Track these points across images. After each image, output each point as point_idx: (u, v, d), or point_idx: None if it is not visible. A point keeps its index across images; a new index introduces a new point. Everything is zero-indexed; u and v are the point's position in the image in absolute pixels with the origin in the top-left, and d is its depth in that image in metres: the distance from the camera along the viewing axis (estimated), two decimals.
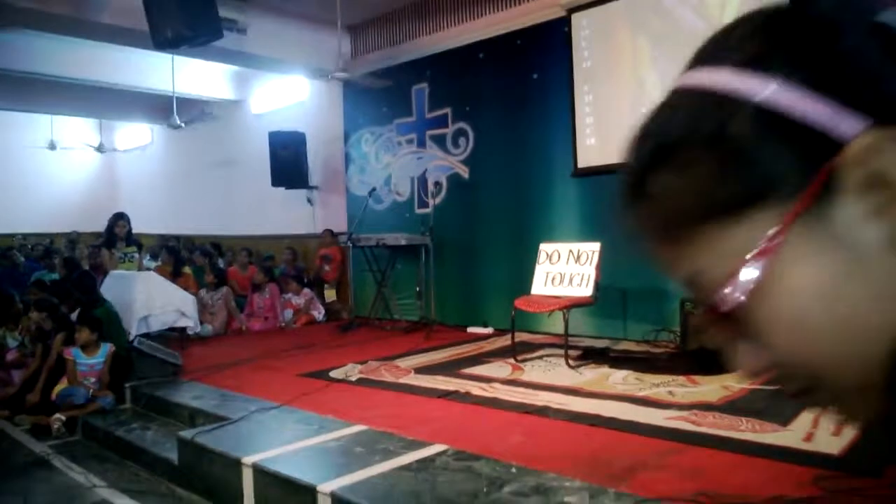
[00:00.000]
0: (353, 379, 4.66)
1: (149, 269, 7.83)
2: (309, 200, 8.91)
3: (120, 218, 6.75)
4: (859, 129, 0.37)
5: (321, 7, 7.18)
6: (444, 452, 3.03)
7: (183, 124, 9.17)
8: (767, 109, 0.39)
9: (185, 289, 7.26)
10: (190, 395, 4.56)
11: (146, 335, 5.77)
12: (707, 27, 5.13)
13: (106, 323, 5.23)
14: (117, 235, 6.69)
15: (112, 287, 6.25)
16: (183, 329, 6.38)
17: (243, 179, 10.05)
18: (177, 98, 9.38)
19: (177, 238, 10.45)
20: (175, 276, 7.75)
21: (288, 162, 8.56)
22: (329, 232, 8.29)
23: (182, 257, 8.40)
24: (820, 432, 2.97)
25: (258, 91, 10.11)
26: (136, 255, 6.86)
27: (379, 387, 4.43)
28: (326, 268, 8.13)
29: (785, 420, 3.16)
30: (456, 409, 3.81)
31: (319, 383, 4.57)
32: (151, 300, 6.09)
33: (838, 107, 0.38)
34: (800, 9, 0.41)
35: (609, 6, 5.84)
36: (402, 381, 4.54)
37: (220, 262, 8.82)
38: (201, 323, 6.95)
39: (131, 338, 5.55)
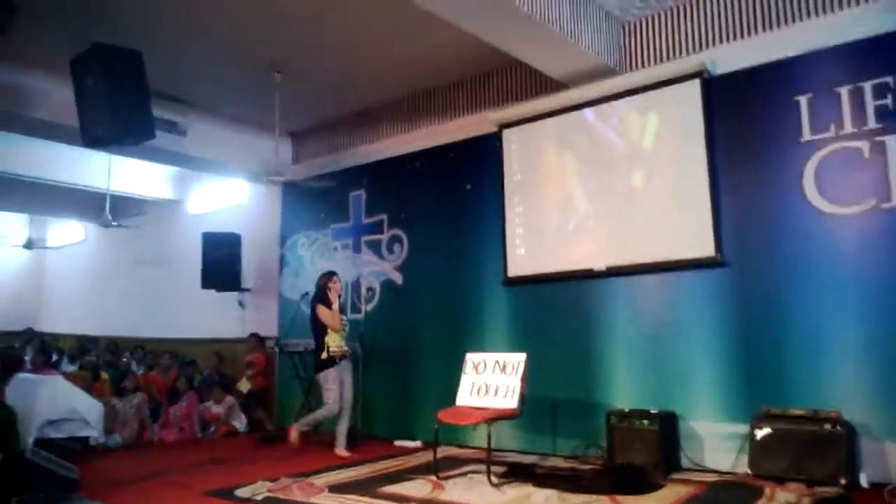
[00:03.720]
0: (260, 498, 4.33)
1: (65, 372, 7.42)
2: (240, 303, 8.67)
3: (332, 275, 6.12)
4: None
5: (262, 112, 7.28)
6: None
7: (115, 223, 8.96)
8: None
9: (101, 395, 6.86)
10: None
11: (44, 444, 5.32)
12: (627, 146, 5.39)
13: (2, 429, 4.84)
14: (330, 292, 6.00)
15: (16, 390, 5.89)
16: (86, 439, 5.93)
17: (176, 280, 9.77)
18: (113, 196, 9.23)
19: (95, 340, 9.97)
20: (93, 381, 7.35)
21: (221, 263, 8.39)
22: (255, 336, 8.01)
23: (99, 363, 7.96)
24: None
25: (197, 192, 10.06)
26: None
27: None
28: (249, 373, 7.78)
29: None
30: None
31: (224, 503, 4.22)
32: (54, 406, 5.72)
33: None
34: None
35: (537, 124, 6.07)
36: (312, 500, 4.23)
37: (136, 367, 8.41)
38: (110, 433, 6.51)
39: (27, 446, 5.11)
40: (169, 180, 10.30)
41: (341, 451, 5.88)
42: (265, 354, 7.87)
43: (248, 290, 8.67)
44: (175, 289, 9.73)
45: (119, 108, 5.71)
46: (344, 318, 6.09)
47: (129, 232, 10.32)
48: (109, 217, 8.86)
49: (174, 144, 7.45)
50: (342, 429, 5.97)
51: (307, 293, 7.38)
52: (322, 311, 5.90)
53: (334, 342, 5.90)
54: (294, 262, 8.07)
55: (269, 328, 8.05)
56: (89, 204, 10.55)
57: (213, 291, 8.60)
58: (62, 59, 5.67)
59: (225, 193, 9.47)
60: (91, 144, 6.02)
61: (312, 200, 7.92)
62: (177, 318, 9.60)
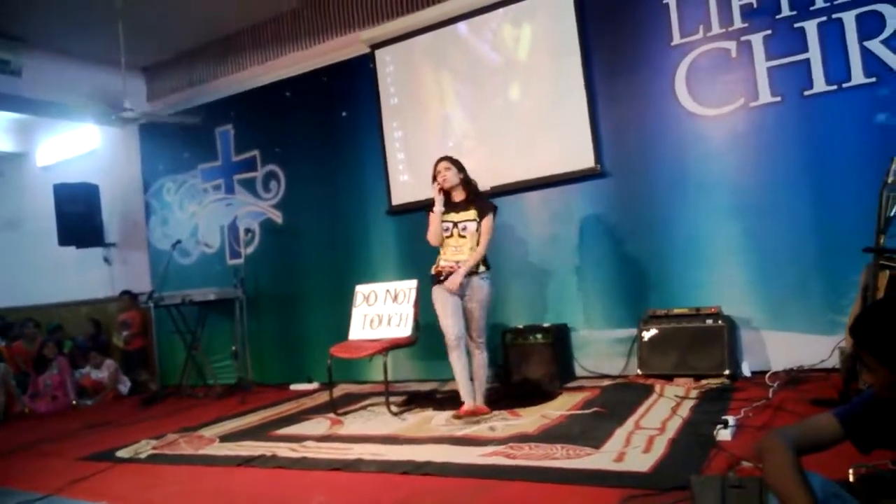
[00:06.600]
0: (144, 456, 4.01)
1: None
2: (106, 259, 7.96)
3: (438, 161, 4.27)
4: None
5: (108, 46, 6.54)
6: None
7: None
8: None
9: None
10: None
11: None
12: (503, 59, 5.22)
13: None
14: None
15: None
16: None
17: (31, 241, 8.83)
18: None
19: None
20: None
21: (78, 217, 7.61)
22: (128, 294, 7.41)
23: None
24: (631, 451, 2.87)
25: (46, 143, 9.03)
26: None
27: (173, 462, 3.82)
28: (124, 333, 7.23)
29: (598, 443, 3.04)
30: (258, 476, 3.34)
31: (102, 465, 3.88)
32: None
33: None
34: None
35: (411, 41, 5.80)
36: (201, 452, 3.97)
37: None
38: None
39: None
40: (11, 131, 9.16)
41: (471, 405, 4.06)
42: (140, 312, 7.33)
43: (112, 244, 7.96)
44: (31, 250, 8.79)
45: None
46: (449, 226, 4.19)
47: None
48: None
49: (8, 86, 6.63)
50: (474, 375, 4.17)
51: (179, 241, 6.90)
52: (429, 217, 4.28)
53: (446, 253, 4.23)
54: (161, 210, 7.47)
55: (142, 283, 7.46)
56: None
57: (73, 249, 7.84)
58: None
59: (76, 141, 8.55)
60: None
61: (175, 141, 7.30)
62: (37, 283, 8.73)
